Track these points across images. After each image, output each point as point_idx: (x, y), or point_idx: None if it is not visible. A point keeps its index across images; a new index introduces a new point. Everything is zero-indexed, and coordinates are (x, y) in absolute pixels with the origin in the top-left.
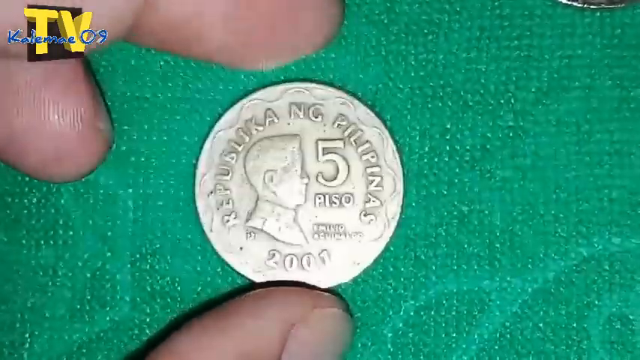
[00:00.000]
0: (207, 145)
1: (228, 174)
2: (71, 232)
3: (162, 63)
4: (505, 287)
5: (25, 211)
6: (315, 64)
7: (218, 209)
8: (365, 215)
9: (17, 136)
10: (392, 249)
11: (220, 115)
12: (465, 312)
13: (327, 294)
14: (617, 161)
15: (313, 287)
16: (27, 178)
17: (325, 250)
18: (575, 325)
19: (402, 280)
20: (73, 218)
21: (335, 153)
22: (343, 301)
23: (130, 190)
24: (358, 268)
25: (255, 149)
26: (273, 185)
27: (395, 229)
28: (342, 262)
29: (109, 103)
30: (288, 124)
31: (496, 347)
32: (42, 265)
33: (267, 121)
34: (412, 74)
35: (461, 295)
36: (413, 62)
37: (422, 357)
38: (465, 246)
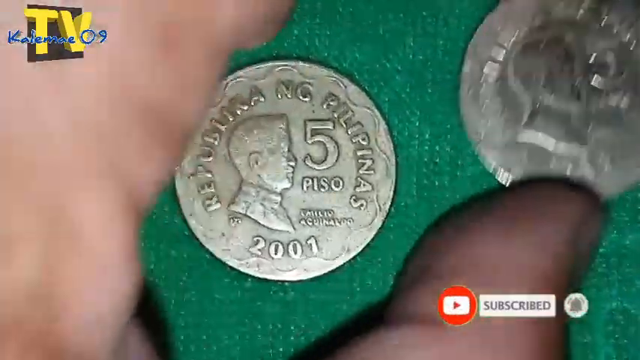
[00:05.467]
0: None
1: (210, 155)
2: None
3: None
4: None
5: None
6: (309, 41)
7: (199, 192)
8: (355, 200)
9: None
10: (384, 237)
11: None
12: None
13: None
14: None
15: None
16: None
17: (313, 236)
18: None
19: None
20: None
21: (324, 134)
22: None
23: None
24: (348, 255)
25: (239, 130)
26: (258, 168)
27: (387, 217)
28: (331, 250)
29: None
30: (275, 103)
31: None
32: None
33: (253, 100)
34: (410, 56)
35: None
36: (411, 44)
37: None
38: None
